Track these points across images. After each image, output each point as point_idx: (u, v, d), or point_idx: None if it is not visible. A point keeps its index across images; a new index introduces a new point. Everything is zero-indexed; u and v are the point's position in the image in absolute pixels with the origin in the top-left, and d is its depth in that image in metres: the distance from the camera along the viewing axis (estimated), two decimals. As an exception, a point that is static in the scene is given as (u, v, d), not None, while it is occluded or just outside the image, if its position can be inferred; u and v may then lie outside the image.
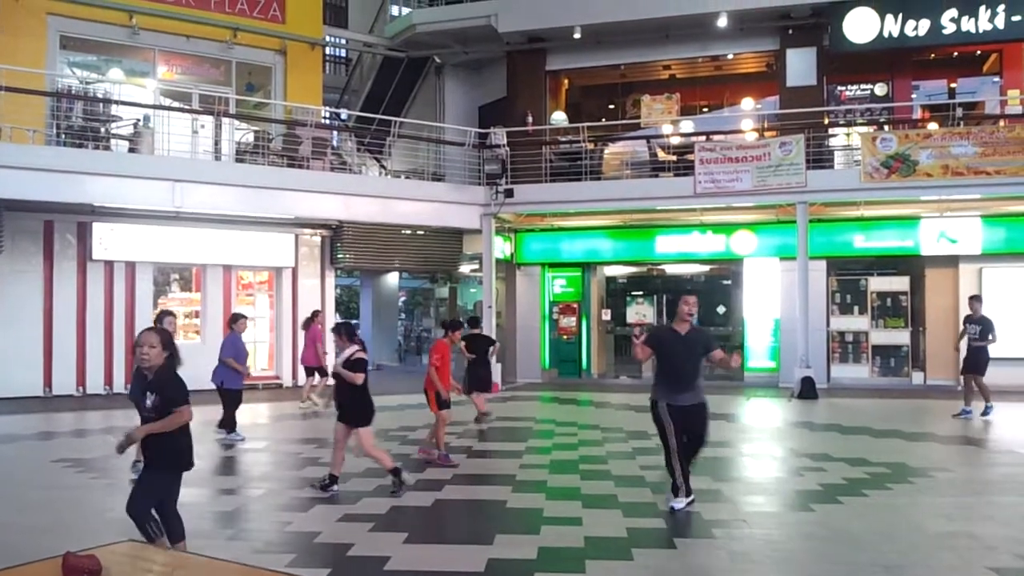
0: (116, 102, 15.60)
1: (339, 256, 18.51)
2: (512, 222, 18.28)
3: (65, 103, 14.96)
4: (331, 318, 17.07)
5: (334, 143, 18.14)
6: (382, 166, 19.45)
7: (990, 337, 12.20)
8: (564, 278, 19.24)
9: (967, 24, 16.48)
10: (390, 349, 24.00)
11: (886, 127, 16.78)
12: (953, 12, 16.49)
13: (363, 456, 7.82)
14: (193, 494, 7.59)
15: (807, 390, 14.92)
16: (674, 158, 17.14)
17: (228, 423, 10.62)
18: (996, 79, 18.02)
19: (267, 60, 18.45)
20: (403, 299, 25.38)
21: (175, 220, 16.06)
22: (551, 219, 18.33)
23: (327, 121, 19.83)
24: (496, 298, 17.74)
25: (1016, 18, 16.25)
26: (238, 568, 3.25)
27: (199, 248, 16.78)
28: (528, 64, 19.61)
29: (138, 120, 15.34)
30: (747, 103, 19.39)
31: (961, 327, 13.04)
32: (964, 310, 13.68)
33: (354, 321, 30.32)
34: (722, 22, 17.49)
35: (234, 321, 11.07)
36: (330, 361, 7.29)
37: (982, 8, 16.36)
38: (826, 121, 17.61)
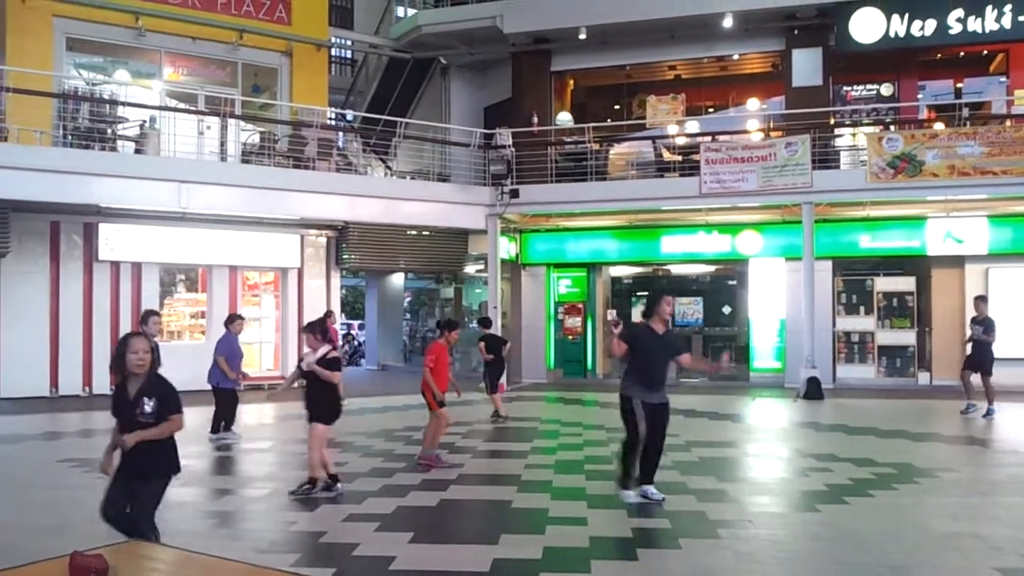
0: (122, 103, 15.64)
1: (344, 257, 18.53)
2: (517, 222, 18.27)
3: (72, 104, 15.01)
4: (338, 319, 17.08)
5: (340, 144, 18.17)
6: (387, 167, 19.46)
7: (991, 336, 12.21)
8: (569, 278, 19.23)
9: (973, 24, 16.45)
10: (395, 349, 24.02)
11: (892, 127, 16.73)
12: (959, 12, 16.46)
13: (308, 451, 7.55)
14: (196, 494, 7.62)
15: (813, 390, 14.90)
16: (679, 158, 17.12)
17: (219, 424, 10.61)
18: (1002, 79, 17.96)
19: (273, 61, 18.48)
20: (408, 300, 25.37)
21: (181, 221, 16.10)
22: (556, 219, 18.33)
23: (333, 122, 19.85)
24: (501, 298, 17.73)
25: (1023, 18, 16.21)
26: (243, 567, 3.26)
27: (205, 249, 16.83)
28: (533, 65, 19.60)
29: (144, 121, 15.35)
30: (753, 103, 19.34)
31: (968, 330, 13.01)
32: (970, 311, 13.66)
33: (358, 322, 30.44)
34: (727, 22, 17.47)
35: (230, 322, 11.05)
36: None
37: (988, 8, 16.33)
38: (832, 121, 17.58)
